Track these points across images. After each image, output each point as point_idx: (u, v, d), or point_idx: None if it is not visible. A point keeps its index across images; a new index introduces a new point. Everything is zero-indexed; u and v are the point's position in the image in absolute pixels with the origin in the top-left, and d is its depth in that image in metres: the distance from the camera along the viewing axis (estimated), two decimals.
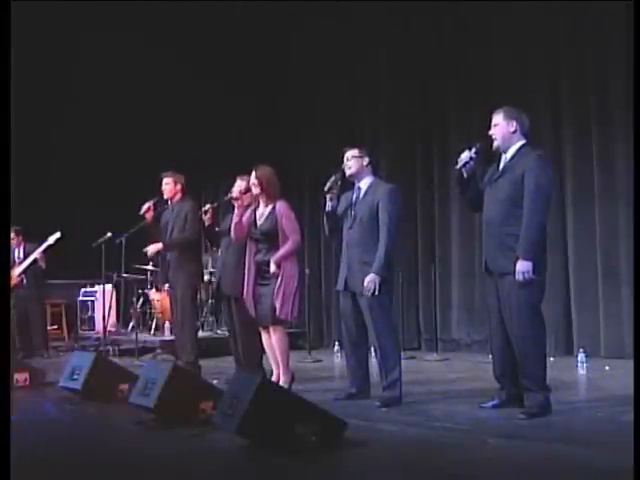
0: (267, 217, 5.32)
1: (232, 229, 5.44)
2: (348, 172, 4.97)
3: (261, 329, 5.43)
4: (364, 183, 4.98)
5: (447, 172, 8.01)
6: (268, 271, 5.23)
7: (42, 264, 8.41)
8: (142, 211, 6.17)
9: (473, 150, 4.43)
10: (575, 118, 7.32)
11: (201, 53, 10.26)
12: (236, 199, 5.51)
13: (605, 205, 7.03)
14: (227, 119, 10.34)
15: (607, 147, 7.07)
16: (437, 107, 8.44)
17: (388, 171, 8.78)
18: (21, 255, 8.60)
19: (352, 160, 4.97)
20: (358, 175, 4.98)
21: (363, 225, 4.88)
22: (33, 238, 8.75)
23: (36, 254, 8.37)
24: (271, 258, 5.21)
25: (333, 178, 4.99)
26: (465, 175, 4.48)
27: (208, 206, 5.89)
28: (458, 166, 4.47)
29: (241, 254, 5.59)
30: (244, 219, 5.40)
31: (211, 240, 6.49)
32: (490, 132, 4.41)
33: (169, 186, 6.43)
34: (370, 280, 4.74)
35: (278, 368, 5.42)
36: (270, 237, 5.28)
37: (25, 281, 8.45)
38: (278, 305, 5.18)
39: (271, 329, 5.32)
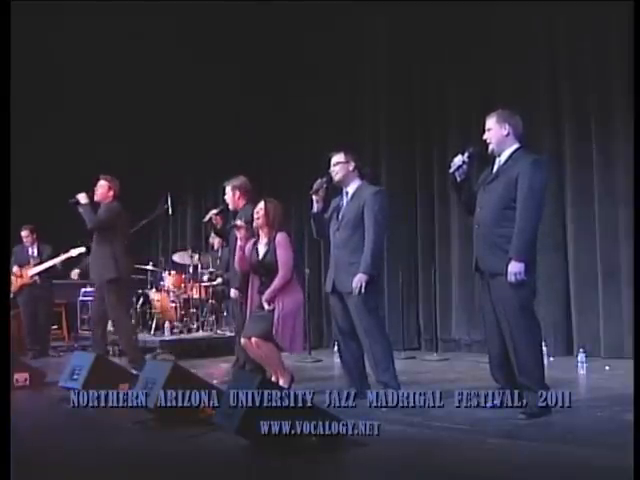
0: (267, 250, 5.38)
1: (236, 262, 5.54)
2: (335, 179, 5.04)
3: (244, 341, 5.41)
4: (351, 187, 5.05)
5: (447, 172, 7.98)
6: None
7: (58, 266, 8.56)
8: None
9: (466, 154, 4.48)
10: (575, 118, 7.32)
11: (201, 53, 10.26)
12: (238, 228, 5.51)
13: (605, 205, 7.03)
14: (226, 120, 10.35)
15: (607, 147, 7.06)
16: (437, 107, 8.44)
17: (388, 171, 8.81)
18: (35, 253, 8.65)
19: (338, 166, 5.02)
20: (345, 181, 5.04)
21: (349, 227, 4.95)
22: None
23: (56, 261, 8.49)
24: (265, 293, 5.28)
25: (319, 181, 5.06)
26: (458, 179, 4.52)
27: (212, 212, 5.94)
28: (451, 170, 4.52)
29: None
30: (246, 252, 5.47)
31: (226, 240, 6.62)
32: (484, 137, 4.45)
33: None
34: (357, 279, 4.81)
35: (275, 372, 5.46)
36: (270, 269, 5.34)
37: (38, 281, 8.51)
38: (279, 339, 5.22)
39: (254, 341, 5.28)
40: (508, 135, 4.36)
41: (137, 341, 7.13)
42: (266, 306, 5.27)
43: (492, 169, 4.45)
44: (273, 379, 5.37)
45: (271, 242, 5.37)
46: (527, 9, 7.44)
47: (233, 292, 5.82)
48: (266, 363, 5.41)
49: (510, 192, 4.25)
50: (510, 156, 4.35)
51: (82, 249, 8.27)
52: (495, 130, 4.38)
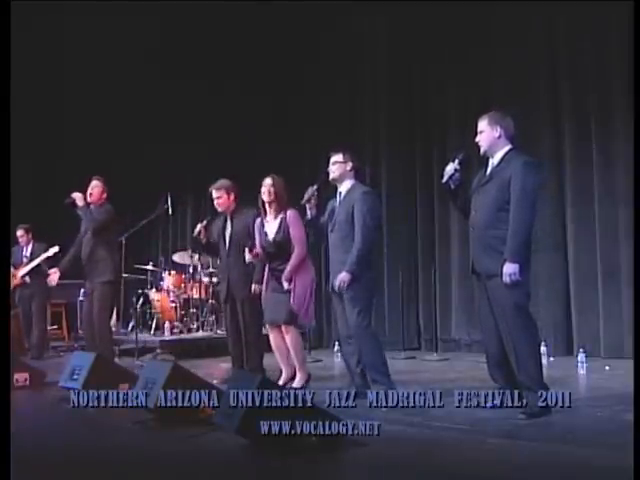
0: (279, 228, 5.44)
1: (253, 257, 5.53)
2: (331, 176, 5.12)
3: (270, 329, 5.53)
4: (344, 187, 5.12)
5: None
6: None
7: (44, 266, 8.47)
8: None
9: (456, 162, 4.53)
10: (575, 118, 7.32)
11: (201, 52, 10.26)
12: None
13: (605, 205, 7.03)
14: (226, 120, 10.34)
15: (607, 147, 7.06)
16: (437, 107, 8.44)
17: (388, 171, 8.81)
18: (28, 254, 8.65)
19: (335, 165, 5.11)
20: (340, 180, 5.12)
21: (342, 227, 5.02)
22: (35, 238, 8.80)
23: (37, 261, 8.45)
24: (284, 273, 5.36)
25: (310, 190, 5.13)
26: (452, 186, 4.57)
27: (199, 227, 5.94)
28: (444, 180, 4.56)
29: (243, 257, 5.71)
30: (257, 241, 5.51)
31: (211, 254, 6.74)
32: (476, 139, 4.49)
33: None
34: (340, 278, 4.90)
35: (288, 368, 5.48)
36: (284, 247, 5.41)
37: (29, 281, 8.50)
38: (295, 309, 5.34)
39: (284, 329, 5.43)
40: (500, 137, 4.41)
41: (113, 347, 7.05)
42: (286, 285, 5.34)
43: (485, 171, 4.49)
44: (282, 378, 5.44)
45: (282, 221, 5.42)
46: (527, 9, 7.44)
47: (256, 287, 5.70)
48: (292, 352, 5.46)
49: (503, 194, 4.29)
50: (503, 157, 4.40)
51: (56, 248, 8.24)
52: (487, 132, 4.43)
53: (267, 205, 5.49)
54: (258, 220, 5.58)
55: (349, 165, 5.10)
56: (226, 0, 9.04)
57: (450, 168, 4.52)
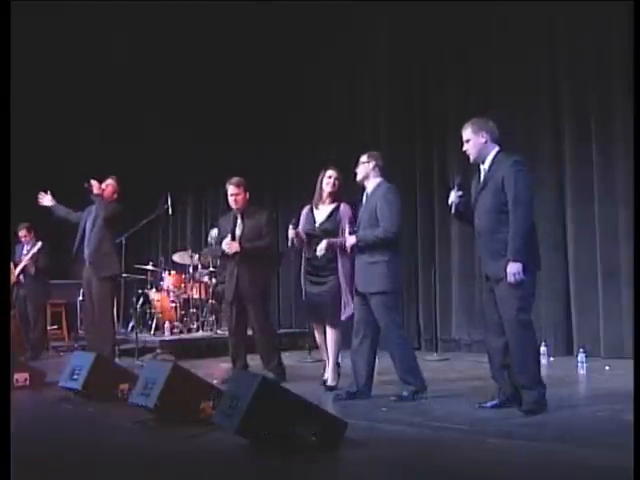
0: (329, 217, 5.47)
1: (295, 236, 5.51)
2: (357, 178, 5.21)
3: (315, 327, 5.64)
4: (370, 186, 5.17)
5: (447, 173, 8.01)
6: (325, 269, 5.39)
7: (31, 270, 8.47)
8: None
9: (456, 188, 4.58)
10: (575, 118, 7.32)
11: (201, 52, 10.27)
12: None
13: (605, 205, 7.03)
14: (226, 120, 10.35)
15: (607, 147, 7.06)
16: (437, 107, 8.43)
17: (388, 172, 8.78)
18: (25, 252, 8.65)
19: (361, 166, 5.19)
20: (366, 180, 5.19)
21: (367, 227, 5.04)
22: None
23: (25, 261, 8.46)
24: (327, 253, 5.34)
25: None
26: (461, 210, 4.60)
27: (227, 241, 5.88)
28: (452, 211, 4.60)
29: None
30: (301, 221, 5.52)
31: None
32: (464, 149, 4.53)
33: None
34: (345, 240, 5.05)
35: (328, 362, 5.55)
36: (329, 235, 5.38)
37: (23, 280, 8.50)
38: (342, 304, 5.34)
39: (328, 327, 5.48)
40: (486, 142, 4.46)
41: (115, 345, 7.06)
42: (323, 245, 5.24)
43: (479, 178, 4.53)
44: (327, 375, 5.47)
45: (334, 211, 5.45)
46: (527, 9, 7.44)
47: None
48: (331, 349, 5.49)
49: (500, 197, 4.33)
50: (492, 161, 4.44)
51: (39, 244, 8.35)
52: (474, 140, 4.47)
53: (325, 195, 5.51)
54: (306, 208, 5.60)
55: (372, 164, 5.15)
56: (226, 0, 9.04)
57: (454, 197, 4.56)
